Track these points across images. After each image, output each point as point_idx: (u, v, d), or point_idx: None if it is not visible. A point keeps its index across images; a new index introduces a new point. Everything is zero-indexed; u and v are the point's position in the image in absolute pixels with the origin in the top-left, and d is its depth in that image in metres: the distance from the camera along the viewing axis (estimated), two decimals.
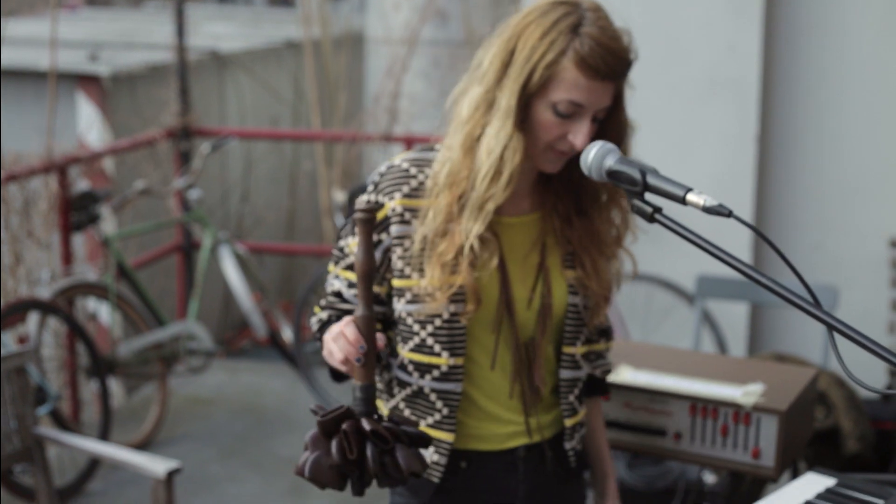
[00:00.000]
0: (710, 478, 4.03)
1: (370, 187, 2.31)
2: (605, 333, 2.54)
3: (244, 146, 8.32)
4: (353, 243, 2.31)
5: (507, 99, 2.16)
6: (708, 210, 1.87)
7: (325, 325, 2.36)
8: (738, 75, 5.74)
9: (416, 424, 2.09)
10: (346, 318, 2.06)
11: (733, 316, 6.00)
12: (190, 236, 7.14)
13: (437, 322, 2.27)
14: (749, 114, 5.79)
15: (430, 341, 2.29)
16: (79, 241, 6.59)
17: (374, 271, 2.03)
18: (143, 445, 5.77)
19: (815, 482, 2.48)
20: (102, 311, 6.30)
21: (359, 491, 2.04)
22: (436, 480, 2.35)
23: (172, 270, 7.42)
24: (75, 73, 7.14)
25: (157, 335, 6.01)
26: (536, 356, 2.34)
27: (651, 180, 1.96)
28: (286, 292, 8.68)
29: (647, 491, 4.20)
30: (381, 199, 2.29)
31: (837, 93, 5.92)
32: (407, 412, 2.36)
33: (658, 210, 1.96)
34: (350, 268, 2.33)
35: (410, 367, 2.34)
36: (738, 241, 5.85)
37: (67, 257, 5.91)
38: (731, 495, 2.69)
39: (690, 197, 1.90)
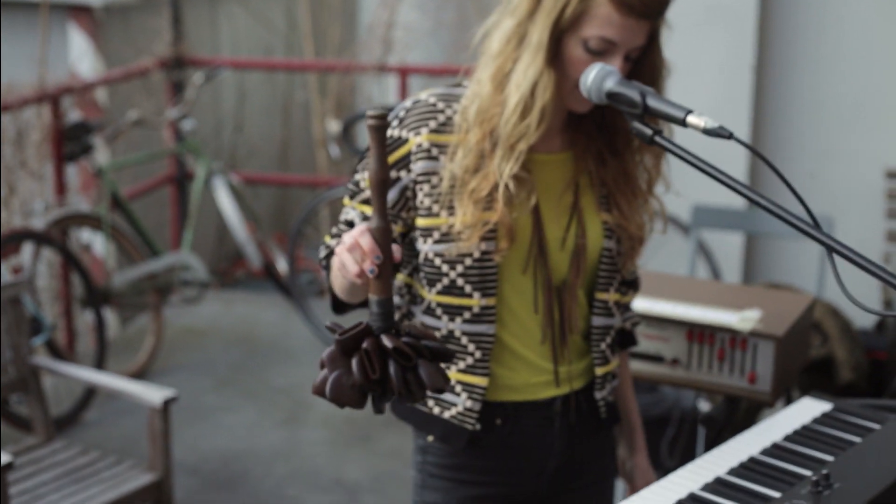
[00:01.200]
0: (704, 405, 4.04)
1: (394, 122, 2.23)
2: (633, 285, 2.49)
3: (237, 77, 8.27)
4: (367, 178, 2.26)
5: (539, 33, 2.10)
6: (708, 132, 1.86)
7: (331, 254, 2.29)
8: (735, 3, 5.71)
9: (433, 337, 1.99)
10: (360, 227, 1.92)
11: (728, 246, 6.00)
12: (183, 167, 7.12)
13: (468, 262, 2.22)
14: (746, 43, 5.76)
15: (460, 282, 2.23)
16: (71, 172, 6.57)
17: (388, 181, 1.92)
18: (138, 375, 5.79)
19: (812, 407, 2.49)
20: (96, 242, 6.29)
21: (379, 409, 1.98)
22: (469, 428, 2.30)
23: (165, 201, 7.40)
24: (67, 3, 7.07)
25: (151, 266, 6.00)
26: (569, 299, 2.29)
27: (651, 102, 1.94)
28: (279, 224, 8.66)
29: (642, 419, 4.21)
30: (405, 134, 2.22)
31: (834, 23, 5.88)
32: None
33: (658, 132, 1.95)
34: (366, 202, 2.26)
35: (439, 311, 2.28)
36: (733, 170, 5.83)
37: (61, 188, 5.90)
38: (727, 420, 2.69)
39: (691, 119, 1.88)
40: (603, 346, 2.36)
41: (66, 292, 5.79)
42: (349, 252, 1.92)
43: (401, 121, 2.23)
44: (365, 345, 1.91)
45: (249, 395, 5.72)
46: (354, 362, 1.91)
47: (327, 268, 2.30)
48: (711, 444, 2.95)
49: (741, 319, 2.73)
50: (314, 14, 8.29)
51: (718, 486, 2.10)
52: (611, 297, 2.34)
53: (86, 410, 5.38)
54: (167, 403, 4.27)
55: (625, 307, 2.49)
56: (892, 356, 4.90)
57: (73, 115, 6.27)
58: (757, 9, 5.77)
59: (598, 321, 2.34)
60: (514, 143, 2.15)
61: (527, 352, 2.30)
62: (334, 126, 6.19)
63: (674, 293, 2.92)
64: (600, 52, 2.09)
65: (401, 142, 2.22)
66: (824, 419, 2.42)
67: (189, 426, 5.30)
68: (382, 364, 1.91)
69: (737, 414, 2.90)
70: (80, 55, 7.02)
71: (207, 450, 5.14)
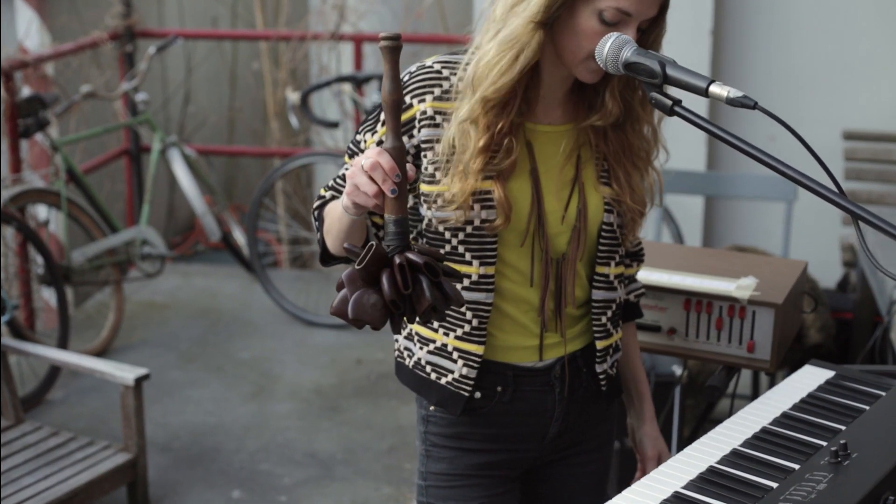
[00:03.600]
0: (678, 369, 4.05)
1: None
2: (637, 256, 2.50)
3: (185, 48, 8.17)
4: (370, 140, 2.24)
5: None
6: (732, 101, 1.85)
7: (324, 204, 2.29)
8: None
9: (442, 257, 2.02)
10: (375, 148, 1.95)
11: (688, 209, 6.02)
12: (138, 140, 7.02)
13: (468, 229, 2.21)
14: (704, 8, 5.76)
15: (461, 249, 2.23)
16: (21, 148, 6.45)
17: (401, 102, 1.95)
18: (101, 352, 5.71)
19: (814, 374, 2.49)
20: (53, 218, 6.20)
21: (399, 328, 2.01)
22: (464, 394, 2.30)
23: (116, 175, 7.30)
24: None
25: (110, 241, 5.93)
26: (567, 273, 2.28)
27: (671, 72, 1.93)
28: (229, 195, 8.58)
29: None
30: (409, 100, 2.20)
31: None
32: (434, 324, 2.31)
33: (678, 102, 1.94)
34: None
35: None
36: (692, 136, 5.85)
37: (17, 165, 5.79)
38: (726, 388, 2.69)
39: (713, 88, 1.87)
40: (604, 319, 2.36)
41: (25, 270, 5.70)
42: (370, 172, 1.93)
43: (405, 86, 2.21)
44: (398, 260, 1.93)
45: (215, 369, 5.67)
46: (385, 278, 1.92)
47: (319, 219, 2.30)
48: (705, 413, 2.96)
49: (738, 287, 2.72)
50: None
51: (736, 458, 2.09)
52: (612, 270, 2.34)
53: (51, 390, 5.30)
54: (139, 382, 4.23)
55: (629, 279, 2.49)
56: (858, 316, 4.95)
57: (25, 89, 6.16)
58: None
59: (598, 295, 2.34)
60: (478, 86, 2.13)
61: (523, 317, 2.30)
62: (294, 96, 6.12)
63: (666, 262, 2.91)
64: (614, 23, 2.06)
65: (405, 107, 2.19)
66: (828, 387, 2.42)
67: (156, 402, 5.24)
68: (413, 280, 1.94)
69: (735, 382, 2.91)
70: (27, 29, 6.89)
71: (177, 426, 5.09)
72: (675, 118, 2.10)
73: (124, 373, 4.24)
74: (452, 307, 2.16)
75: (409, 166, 1.95)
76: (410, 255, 1.93)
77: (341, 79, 6.15)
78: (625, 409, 2.62)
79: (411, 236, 2.14)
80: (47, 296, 6.26)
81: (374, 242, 1.93)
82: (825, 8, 5.93)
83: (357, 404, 5.33)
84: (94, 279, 5.99)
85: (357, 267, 1.93)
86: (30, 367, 5.42)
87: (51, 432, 4.39)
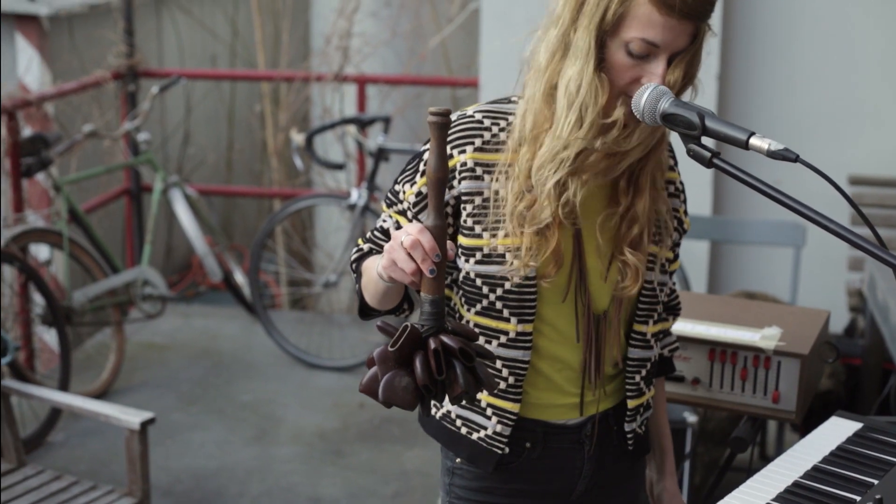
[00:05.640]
0: (691, 417, 4.01)
1: None
2: (673, 310, 2.46)
3: (184, 87, 8.16)
4: (409, 191, 2.19)
5: (584, 39, 2.02)
6: (773, 154, 1.83)
7: (362, 258, 2.26)
8: None
9: (476, 336, 1.97)
10: (416, 225, 1.90)
11: (694, 254, 6.00)
12: (139, 180, 6.99)
13: (507, 285, 2.16)
14: (710, 54, 5.76)
15: (498, 305, 2.18)
16: (22, 188, 6.42)
17: (446, 179, 1.90)
18: (101, 394, 5.67)
19: (841, 426, 2.47)
20: (56, 259, 6.16)
21: (429, 411, 1.97)
22: (498, 451, 2.26)
23: (115, 215, 7.27)
24: (14, 12, 6.92)
25: (112, 281, 5.88)
26: (607, 331, 2.23)
27: (711, 124, 1.90)
28: (228, 235, 8.56)
29: None
30: (448, 150, 2.14)
31: (797, 35, 5.91)
32: None
33: (717, 154, 1.91)
34: (403, 213, 2.21)
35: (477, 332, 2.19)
36: (698, 178, 5.84)
37: (18, 204, 5.76)
38: (753, 440, 2.66)
39: (754, 141, 1.85)
40: (637, 377, 2.31)
41: (26, 311, 5.65)
42: (410, 250, 1.89)
43: None
44: (433, 345, 1.89)
45: (216, 411, 5.62)
46: (418, 362, 1.89)
47: (357, 272, 2.27)
48: (727, 463, 2.92)
49: (762, 337, 2.70)
50: (264, 23, 8.20)
51: None
52: (650, 329, 2.30)
53: (52, 432, 5.25)
54: (144, 426, 4.17)
55: (663, 333, 2.44)
56: (867, 362, 4.92)
57: (26, 129, 6.14)
58: (720, 21, 5.78)
59: (634, 353, 2.30)
60: (560, 151, 2.07)
61: (559, 377, 2.26)
62: (298, 137, 6.10)
63: (687, 310, 2.89)
64: (643, 55, 2.01)
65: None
66: (857, 439, 2.40)
67: (158, 445, 5.19)
68: (448, 364, 1.91)
69: (762, 433, 2.87)
70: (27, 66, 6.88)
71: (179, 469, 5.04)
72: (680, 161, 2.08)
73: (129, 416, 4.18)
74: (489, 362, 2.14)
75: (449, 245, 1.90)
76: (446, 339, 1.90)
77: (346, 121, 6.14)
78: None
79: (446, 284, 2.12)
80: (46, 337, 6.21)
81: (408, 324, 1.90)
82: (831, 53, 5.93)
83: (361, 448, 5.28)
84: (95, 320, 5.95)
85: (390, 348, 1.89)
86: (30, 408, 5.36)
87: (53, 476, 4.33)
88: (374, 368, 1.92)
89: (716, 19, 5.67)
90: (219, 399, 5.77)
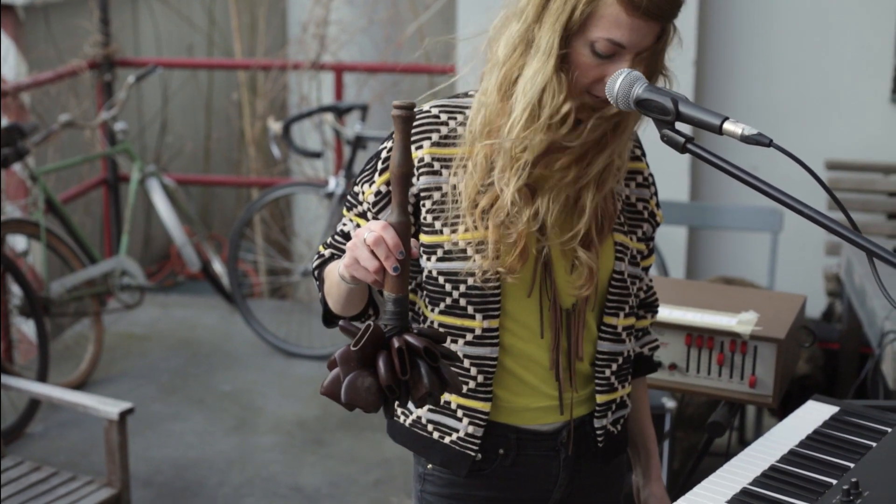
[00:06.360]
0: (669, 402, 4.02)
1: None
2: (650, 307, 2.43)
3: (161, 76, 8.13)
4: (368, 191, 2.15)
5: (548, 37, 1.99)
6: (746, 139, 1.83)
7: (324, 263, 2.21)
8: None
9: (443, 338, 1.92)
10: (379, 222, 1.86)
11: (672, 239, 6.01)
12: (116, 169, 6.97)
13: (470, 281, 2.12)
14: (686, 40, 5.76)
15: (462, 302, 2.13)
16: None
17: (411, 173, 1.86)
18: (80, 385, 5.66)
19: (818, 410, 2.48)
20: (33, 249, 6.14)
21: (392, 414, 1.91)
22: (471, 454, 2.21)
23: (92, 205, 7.25)
24: None
25: (90, 272, 5.87)
26: (578, 324, 2.19)
27: (684, 109, 1.90)
28: (206, 225, 8.55)
29: None
30: None
31: (772, 20, 5.92)
32: None
33: (690, 140, 1.91)
34: (363, 215, 2.17)
35: (441, 332, 2.09)
36: (676, 166, 5.85)
37: None
38: (730, 424, 2.67)
39: (727, 126, 1.85)
40: (608, 372, 2.25)
41: (4, 302, 5.64)
42: (373, 246, 1.85)
43: None
44: (397, 343, 1.84)
45: (196, 401, 5.62)
46: (381, 362, 1.83)
47: (319, 279, 2.22)
48: (705, 448, 2.93)
49: (740, 322, 2.70)
50: (240, 11, 8.17)
51: (746, 497, 2.07)
52: (620, 321, 2.24)
53: (30, 424, 5.24)
54: (123, 416, 4.17)
55: (643, 331, 2.41)
56: (844, 347, 4.94)
57: (2, 119, 6.11)
58: (696, 7, 5.79)
59: (604, 346, 2.24)
60: (518, 154, 2.04)
61: (530, 377, 2.20)
62: (276, 126, 6.09)
63: (664, 296, 2.89)
64: (607, 55, 1.99)
65: None
66: (834, 423, 2.40)
67: (138, 435, 5.18)
68: (412, 364, 1.85)
69: (740, 418, 2.88)
70: (3, 56, 6.84)
71: (159, 460, 5.03)
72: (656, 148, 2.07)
73: (108, 407, 4.17)
74: (456, 363, 2.09)
75: (413, 242, 1.87)
76: (409, 339, 1.84)
77: (323, 109, 6.13)
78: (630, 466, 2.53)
79: (410, 287, 2.06)
80: (24, 328, 6.19)
81: (371, 323, 1.85)
82: (808, 38, 5.95)
83: (341, 437, 5.28)
84: (73, 310, 5.93)
85: (352, 348, 1.84)
86: (9, 400, 5.35)
87: (32, 467, 4.32)
88: (336, 370, 1.87)
89: (692, 5, 5.70)
90: (198, 389, 5.76)
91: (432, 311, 2.18)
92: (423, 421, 2.25)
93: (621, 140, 2.12)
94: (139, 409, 5.37)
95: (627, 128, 2.12)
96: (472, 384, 2.17)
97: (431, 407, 2.22)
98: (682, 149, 1.90)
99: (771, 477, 2.15)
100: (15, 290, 5.56)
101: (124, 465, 4.19)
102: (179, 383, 5.82)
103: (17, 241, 6.16)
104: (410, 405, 2.26)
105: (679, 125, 1.94)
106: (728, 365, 2.70)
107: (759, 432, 4.56)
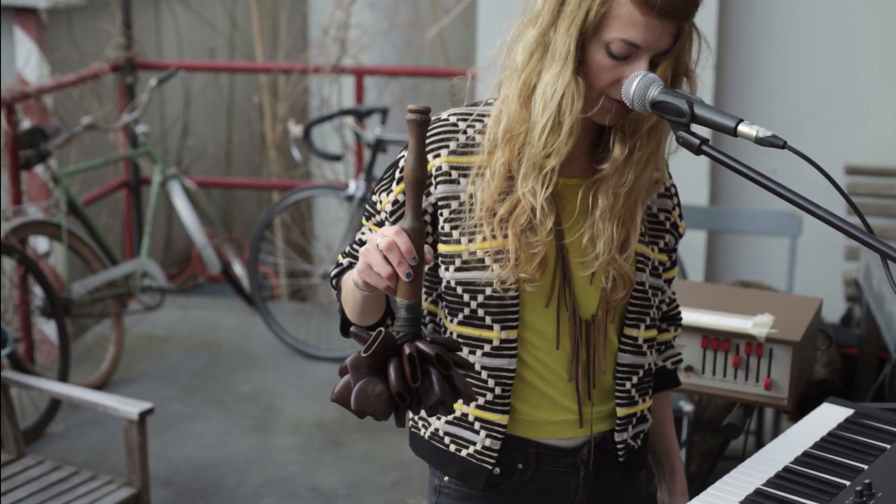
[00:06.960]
0: (687, 406, 4.03)
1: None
2: (673, 320, 2.39)
3: (183, 79, 8.17)
4: (385, 200, 2.13)
5: (564, 41, 1.97)
6: (761, 141, 1.84)
7: (342, 272, 2.19)
8: None
9: (457, 346, 1.90)
10: (393, 228, 1.83)
11: (692, 243, 6.01)
12: (137, 172, 7.01)
13: (488, 291, 2.09)
14: (707, 42, 5.76)
15: (480, 312, 2.10)
16: (21, 180, 6.44)
17: (425, 178, 1.85)
18: (101, 385, 5.69)
19: (833, 412, 2.48)
20: (55, 251, 6.18)
21: (403, 422, 1.88)
22: (488, 467, 2.17)
23: (114, 207, 7.29)
24: (12, 5, 6.92)
25: (111, 273, 5.90)
26: (597, 336, 2.15)
27: (699, 111, 1.90)
28: (227, 227, 8.58)
29: None
30: None
31: (792, 25, 5.92)
32: None
33: (705, 141, 1.91)
34: (381, 224, 2.15)
35: (460, 342, 2.10)
36: (695, 169, 5.86)
37: (17, 196, 5.77)
38: (745, 426, 2.68)
39: (742, 128, 1.85)
40: (628, 385, 2.21)
41: (26, 302, 5.67)
42: (385, 252, 1.83)
43: None
44: (408, 350, 1.82)
45: (216, 402, 5.65)
46: (392, 369, 1.82)
47: (337, 287, 2.20)
48: (720, 451, 2.94)
49: (755, 325, 2.71)
50: (262, 15, 8.21)
51: (760, 498, 2.08)
52: (641, 333, 2.21)
53: (51, 423, 5.27)
54: (143, 415, 4.20)
55: (664, 345, 2.38)
56: (863, 351, 4.94)
57: (25, 121, 6.15)
58: (717, 11, 5.79)
59: (624, 358, 2.20)
60: (543, 162, 2.03)
61: (549, 389, 2.17)
62: (296, 129, 6.11)
63: (680, 298, 2.89)
64: (623, 56, 1.97)
65: None
66: (848, 425, 2.41)
67: (157, 436, 5.21)
68: (423, 372, 1.83)
69: (755, 421, 2.89)
70: (26, 59, 6.89)
71: (178, 460, 5.06)
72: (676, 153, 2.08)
73: (128, 407, 4.20)
74: (470, 373, 2.06)
75: (427, 248, 1.85)
76: (421, 346, 1.82)
77: (344, 112, 6.16)
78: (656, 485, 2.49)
79: (431, 298, 2.06)
80: (45, 328, 6.23)
81: (382, 329, 1.83)
82: (828, 42, 5.95)
83: (359, 439, 5.30)
84: (94, 311, 5.97)
85: (363, 354, 1.82)
86: (30, 399, 5.38)
87: (53, 466, 4.35)
88: (347, 376, 1.85)
89: (712, 9, 5.70)
90: (218, 390, 5.79)
91: (451, 321, 2.15)
92: (441, 433, 2.21)
93: (659, 150, 2.11)
94: (159, 409, 5.39)
95: (662, 139, 2.11)
96: (489, 396, 2.14)
97: (449, 419, 2.19)
98: (696, 150, 1.91)
99: (784, 478, 2.16)
100: (37, 291, 5.60)
101: (144, 464, 4.22)
102: (199, 384, 5.85)
103: (39, 243, 6.20)
104: (429, 417, 2.22)
105: (695, 127, 1.95)
106: (743, 367, 2.70)
107: (776, 436, 4.56)
